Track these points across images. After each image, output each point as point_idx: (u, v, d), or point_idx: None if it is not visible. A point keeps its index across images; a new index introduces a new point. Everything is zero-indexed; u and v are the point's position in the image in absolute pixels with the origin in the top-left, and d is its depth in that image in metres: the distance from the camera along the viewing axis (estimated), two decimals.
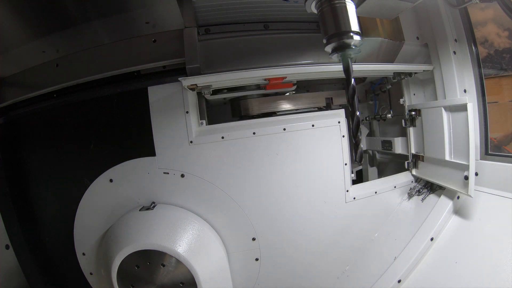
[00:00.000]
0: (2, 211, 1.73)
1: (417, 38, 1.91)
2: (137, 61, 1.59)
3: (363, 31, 1.62)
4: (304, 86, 2.42)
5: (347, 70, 0.79)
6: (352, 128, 0.89)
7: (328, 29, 0.76)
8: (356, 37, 0.73)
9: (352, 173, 1.91)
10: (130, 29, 1.58)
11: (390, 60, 1.85)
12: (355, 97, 0.83)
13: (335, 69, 1.57)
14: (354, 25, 0.74)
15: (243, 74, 1.47)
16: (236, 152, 1.65)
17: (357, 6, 0.87)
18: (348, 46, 0.75)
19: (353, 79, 0.82)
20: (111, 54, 1.61)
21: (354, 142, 0.92)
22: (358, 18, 0.76)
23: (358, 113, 0.85)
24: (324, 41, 0.79)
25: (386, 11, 1.35)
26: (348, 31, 0.73)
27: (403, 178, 2.05)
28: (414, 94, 2.08)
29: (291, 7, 1.60)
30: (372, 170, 2.72)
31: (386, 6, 1.29)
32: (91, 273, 1.72)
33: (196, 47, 1.52)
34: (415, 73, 1.93)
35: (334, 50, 0.77)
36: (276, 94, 1.87)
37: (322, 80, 2.73)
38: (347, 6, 0.73)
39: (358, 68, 1.64)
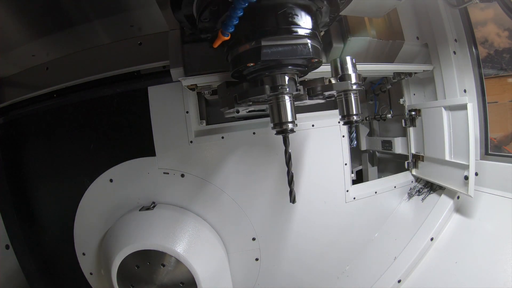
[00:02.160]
0: (2, 211, 1.73)
1: (417, 38, 1.91)
2: (137, 61, 1.59)
3: (363, 31, 1.62)
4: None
5: (285, 142, 1.19)
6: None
7: (274, 118, 1.08)
8: (291, 125, 1.07)
9: (352, 173, 1.91)
10: (130, 29, 1.58)
11: (390, 60, 1.85)
12: (290, 162, 1.23)
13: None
14: (290, 116, 1.06)
15: None
16: (236, 152, 1.65)
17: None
18: (286, 131, 1.07)
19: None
20: (111, 54, 1.61)
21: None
22: (294, 109, 1.07)
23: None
24: (271, 125, 1.10)
25: (372, 9, 1.34)
26: (286, 122, 1.05)
27: (403, 178, 2.05)
28: (414, 94, 2.08)
29: None
30: (372, 170, 2.71)
31: (370, 4, 1.29)
32: (91, 273, 1.72)
33: (180, 49, 1.50)
34: (415, 73, 1.93)
35: (277, 133, 1.10)
36: None
37: None
38: (286, 102, 1.05)
39: (358, 68, 1.63)
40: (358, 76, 1.14)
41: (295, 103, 1.24)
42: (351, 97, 1.15)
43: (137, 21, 1.58)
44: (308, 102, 1.27)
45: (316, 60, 1.05)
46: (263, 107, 1.38)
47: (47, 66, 1.69)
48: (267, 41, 0.96)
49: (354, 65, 1.16)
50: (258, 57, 0.97)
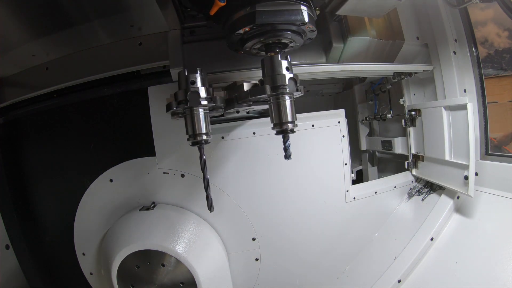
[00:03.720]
0: (2, 211, 1.73)
1: (417, 38, 1.91)
2: (137, 61, 1.58)
3: (363, 31, 1.62)
4: (304, 87, 2.42)
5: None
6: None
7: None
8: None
9: (352, 173, 1.91)
10: (130, 29, 1.58)
11: (390, 60, 1.85)
12: (205, 169, 1.16)
13: (333, 69, 1.57)
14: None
15: (242, 74, 1.47)
16: (236, 152, 1.65)
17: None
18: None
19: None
20: (111, 54, 1.61)
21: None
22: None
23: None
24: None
25: (372, 9, 1.35)
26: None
27: (403, 178, 2.05)
28: (414, 94, 2.08)
29: None
30: (372, 170, 2.72)
31: (370, 4, 1.29)
32: (91, 273, 1.72)
33: (180, 49, 1.50)
34: (415, 73, 1.93)
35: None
36: None
37: (322, 80, 2.74)
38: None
39: (358, 68, 1.64)
40: (294, 79, 1.09)
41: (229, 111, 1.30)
42: (284, 101, 1.08)
43: (137, 21, 1.57)
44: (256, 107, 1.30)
45: (310, 27, 1.06)
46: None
47: (47, 66, 1.69)
48: (262, 7, 0.99)
49: (289, 65, 1.11)
50: (252, 20, 0.99)
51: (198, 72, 1.11)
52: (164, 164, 1.61)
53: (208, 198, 1.17)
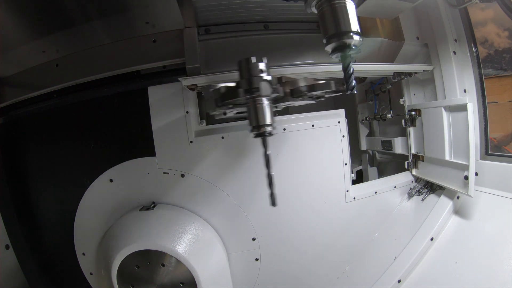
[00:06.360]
0: (2, 211, 1.73)
1: (417, 38, 1.91)
2: (137, 61, 1.59)
3: (363, 31, 1.62)
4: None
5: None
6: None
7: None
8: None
9: (352, 173, 1.91)
10: (130, 29, 1.58)
11: (390, 60, 1.85)
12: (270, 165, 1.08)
13: (336, 69, 1.57)
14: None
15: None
16: (236, 152, 1.65)
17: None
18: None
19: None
20: (111, 54, 1.61)
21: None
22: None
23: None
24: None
25: (386, 11, 1.35)
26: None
27: (403, 178, 2.05)
28: (414, 94, 2.08)
29: (291, 7, 1.60)
30: (372, 170, 2.72)
31: (386, 6, 1.30)
32: (91, 273, 1.72)
33: (196, 47, 1.51)
34: (415, 73, 1.93)
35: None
36: None
37: None
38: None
39: (358, 68, 1.64)
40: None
41: (281, 104, 1.21)
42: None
43: (137, 21, 1.58)
44: (297, 103, 1.22)
45: None
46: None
47: (46, 66, 1.69)
48: None
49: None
50: None
51: (264, 61, 1.02)
52: (164, 164, 1.61)
53: (272, 195, 1.10)
